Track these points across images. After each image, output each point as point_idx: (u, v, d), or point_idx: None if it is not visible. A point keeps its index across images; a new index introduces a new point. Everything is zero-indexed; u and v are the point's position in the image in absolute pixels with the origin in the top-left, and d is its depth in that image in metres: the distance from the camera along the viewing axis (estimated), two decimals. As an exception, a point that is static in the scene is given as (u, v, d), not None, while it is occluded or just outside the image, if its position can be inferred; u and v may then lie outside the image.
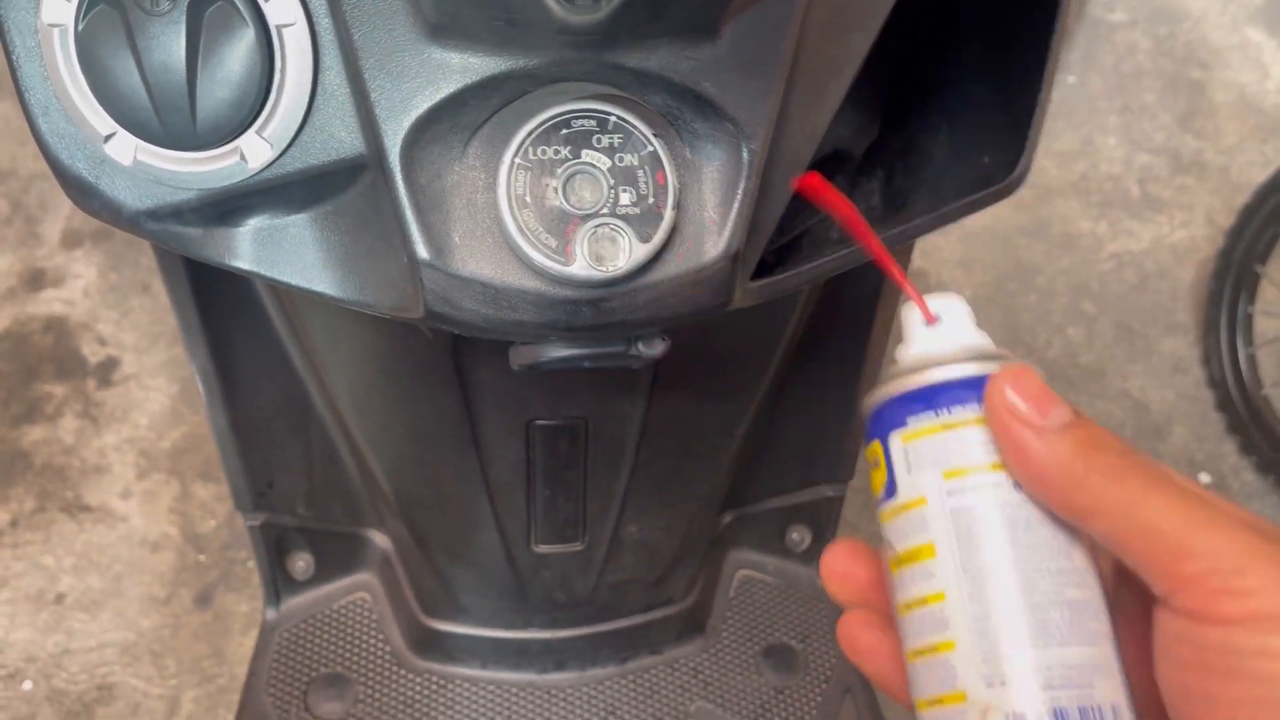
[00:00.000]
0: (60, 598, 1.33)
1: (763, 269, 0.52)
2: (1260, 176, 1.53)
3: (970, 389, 0.37)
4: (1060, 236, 1.68)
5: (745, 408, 0.80)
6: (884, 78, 0.66)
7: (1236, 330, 1.52)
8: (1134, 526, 0.33)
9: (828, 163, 0.67)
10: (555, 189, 0.43)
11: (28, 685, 1.26)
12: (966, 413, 0.37)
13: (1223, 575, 0.31)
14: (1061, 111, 1.77)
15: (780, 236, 0.66)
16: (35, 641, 1.29)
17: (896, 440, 0.39)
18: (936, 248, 1.62)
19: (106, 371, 1.48)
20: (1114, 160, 1.75)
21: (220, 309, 0.78)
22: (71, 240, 1.59)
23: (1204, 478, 1.48)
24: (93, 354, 1.49)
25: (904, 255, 0.80)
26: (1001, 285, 1.63)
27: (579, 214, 0.43)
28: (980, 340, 0.40)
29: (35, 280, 1.55)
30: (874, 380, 0.89)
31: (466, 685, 0.89)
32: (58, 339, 1.51)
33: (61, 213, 1.61)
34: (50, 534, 1.36)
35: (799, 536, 0.99)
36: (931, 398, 0.38)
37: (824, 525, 0.99)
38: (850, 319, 0.86)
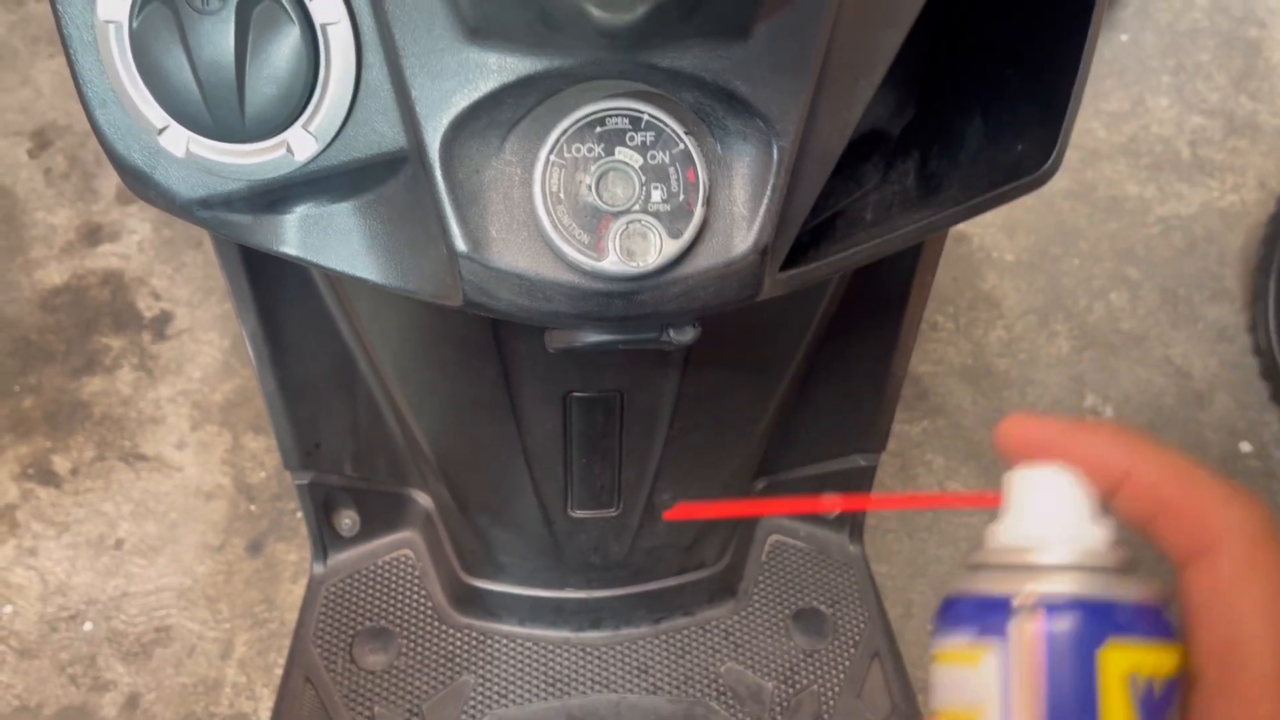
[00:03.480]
0: (119, 543, 1.38)
1: (795, 251, 0.53)
2: (1316, 140, 1.51)
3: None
4: (1106, 200, 1.66)
5: (779, 381, 0.81)
6: (923, 56, 0.66)
7: (1285, 298, 1.50)
8: None
9: (864, 142, 0.67)
10: (589, 186, 0.44)
11: (88, 626, 1.32)
12: None
13: None
14: (1113, 70, 1.74)
15: (814, 217, 0.67)
16: (95, 585, 1.35)
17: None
18: (980, 211, 1.61)
19: (161, 325, 1.52)
20: (1165, 122, 1.72)
21: (269, 276, 0.80)
22: (126, 196, 1.63)
23: (1245, 446, 1.48)
24: (148, 308, 1.54)
25: (938, 239, 0.80)
26: (1045, 250, 1.62)
27: (611, 210, 0.44)
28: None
29: (92, 235, 1.60)
30: (908, 352, 0.90)
31: (505, 641, 0.92)
32: (114, 293, 1.55)
33: (116, 168, 1.64)
34: (109, 482, 1.41)
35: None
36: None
37: (856, 493, 1.00)
38: (886, 290, 0.87)
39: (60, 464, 1.42)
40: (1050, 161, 0.53)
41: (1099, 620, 0.31)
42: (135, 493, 1.41)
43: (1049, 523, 0.34)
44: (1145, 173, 1.68)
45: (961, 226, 1.61)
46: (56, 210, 1.61)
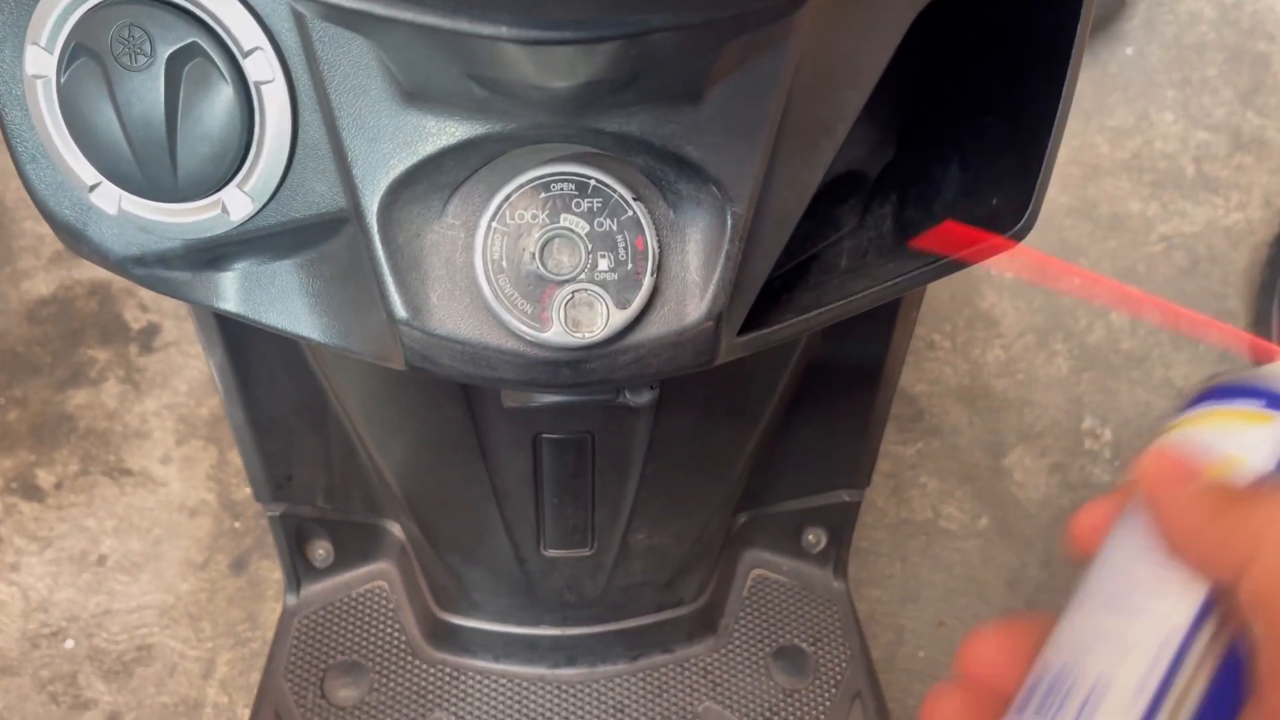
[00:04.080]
0: (102, 559, 1.37)
1: (763, 301, 0.51)
2: (1323, 158, 1.47)
3: None
4: (1108, 217, 1.63)
5: (756, 421, 0.79)
6: (902, 95, 0.64)
7: (1289, 320, 1.47)
8: None
9: (841, 183, 0.65)
10: (532, 253, 0.42)
11: (70, 644, 1.31)
12: None
13: None
14: (1117, 84, 1.71)
15: (789, 260, 0.64)
16: (77, 601, 1.34)
17: None
18: (979, 228, 1.58)
19: (148, 338, 1.51)
20: (1169, 137, 1.69)
21: None
22: (115, 205, 1.61)
23: (1246, 471, 1.45)
24: (135, 320, 1.52)
25: (916, 296, 0.78)
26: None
27: (556, 279, 0.43)
28: None
29: (80, 244, 1.58)
30: (893, 386, 0.88)
31: (478, 677, 0.90)
32: (102, 304, 1.53)
33: (105, 177, 1.63)
34: (93, 496, 1.40)
35: (814, 538, 0.99)
36: None
37: (840, 529, 0.98)
38: (871, 325, 0.85)
39: (44, 478, 1.41)
40: (1025, 218, 0.51)
41: None
42: (119, 508, 1.40)
43: None
44: (1148, 189, 1.65)
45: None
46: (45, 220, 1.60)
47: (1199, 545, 0.31)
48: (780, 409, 0.82)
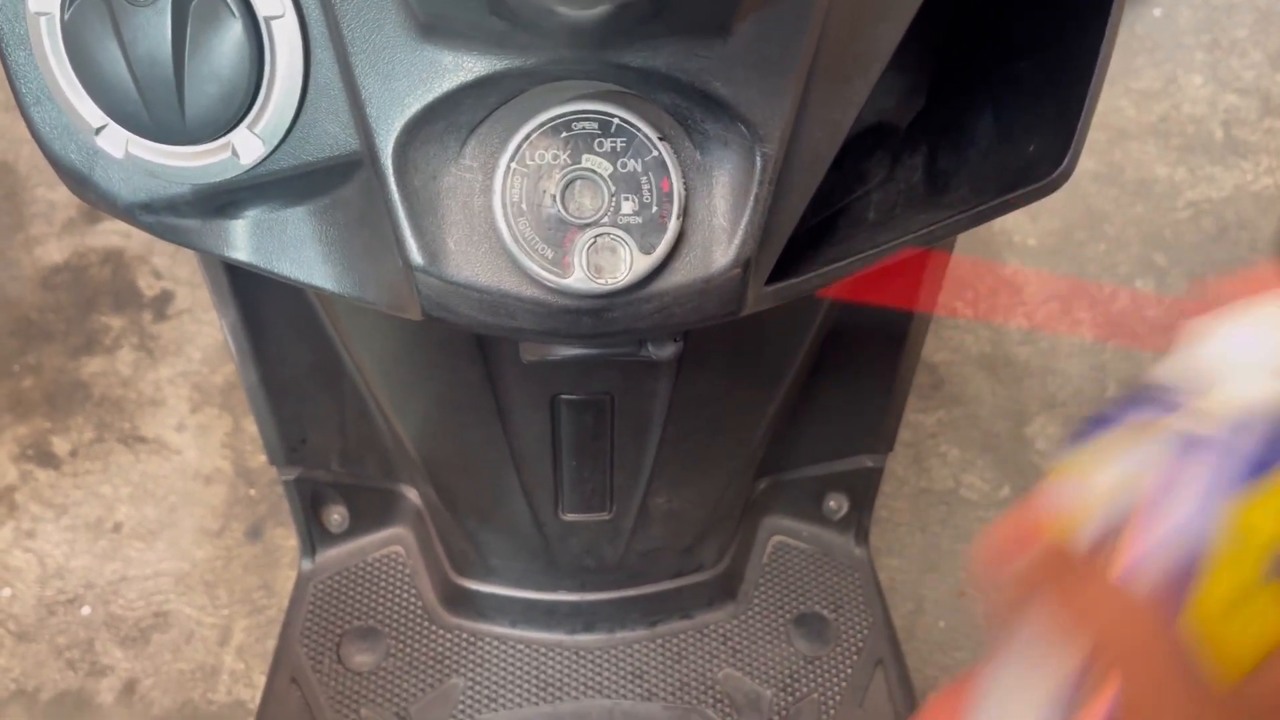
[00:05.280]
0: (118, 526, 1.36)
1: (790, 252, 0.49)
2: (1356, 122, 1.44)
3: None
4: (1134, 182, 1.60)
5: (778, 384, 0.78)
6: (934, 42, 0.62)
7: (1318, 287, 1.44)
8: None
9: (869, 135, 0.63)
10: (553, 196, 0.41)
11: (86, 610, 1.31)
12: None
13: None
14: (1144, 46, 1.67)
15: (814, 215, 0.63)
16: (94, 568, 1.33)
17: None
18: (1002, 193, 1.55)
19: (162, 305, 1.50)
20: (1198, 101, 1.65)
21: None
22: (128, 171, 1.60)
23: (1273, 441, 1.43)
24: (148, 287, 1.51)
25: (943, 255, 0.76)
26: (1069, 234, 1.56)
27: (578, 223, 0.41)
28: None
29: (93, 212, 1.57)
30: (918, 351, 0.86)
31: (495, 643, 0.89)
32: (115, 271, 1.52)
33: (118, 143, 1.62)
34: (108, 464, 1.40)
35: (836, 504, 0.97)
36: None
37: (862, 495, 0.97)
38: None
39: (59, 445, 1.40)
40: (1064, 164, 0.49)
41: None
42: (134, 475, 1.39)
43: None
44: (1175, 154, 1.62)
45: (982, 210, 1.56)
46: (57, 186, 1.59)
47: (1045, 621, 0.31)
48: (803, 372, 0.80)
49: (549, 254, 0.41)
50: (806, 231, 0.61)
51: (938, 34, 0.61)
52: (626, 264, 0.41)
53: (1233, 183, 1.60)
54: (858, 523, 0.97)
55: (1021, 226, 1.56)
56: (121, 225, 1.56)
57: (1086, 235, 1.56)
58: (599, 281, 0.41)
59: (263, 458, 1.40)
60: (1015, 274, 1.52)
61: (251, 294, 0.78)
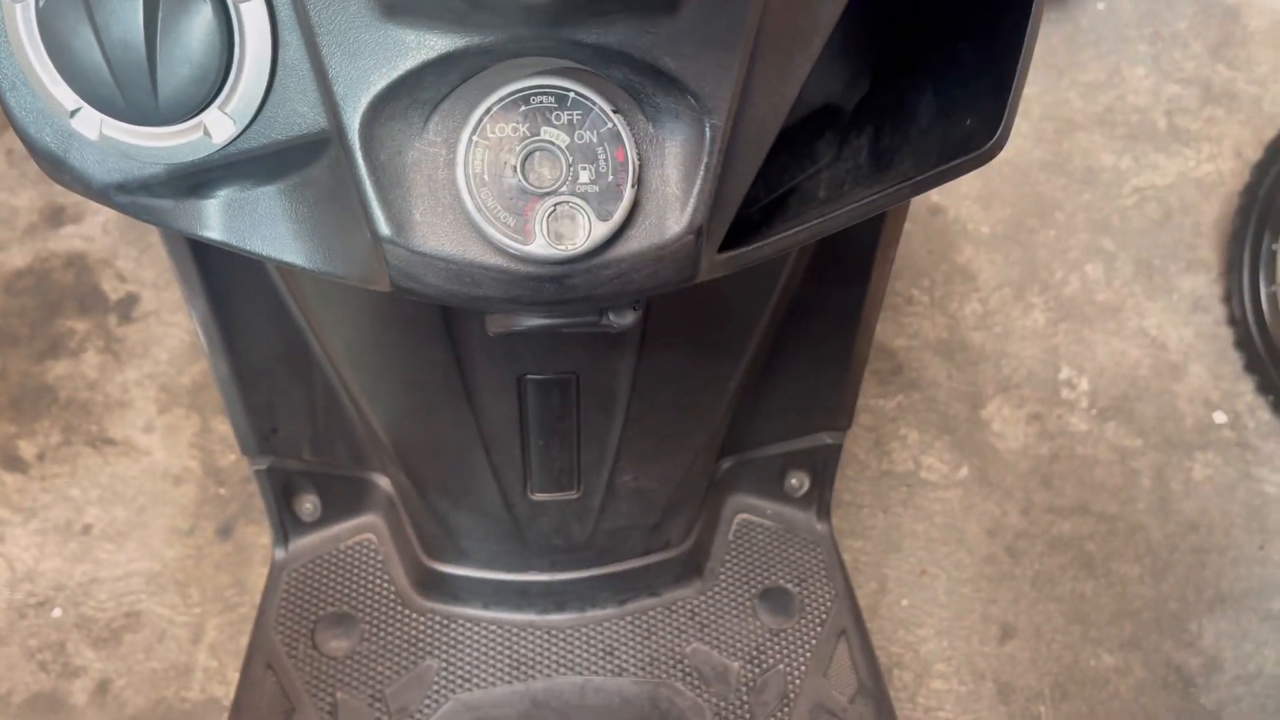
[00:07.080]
0: (87, 528, 1.36)
1: (745, 229, 0.52)
2: (1292, 108, 1.49)
3: None
4: (1082, 171, 1.64)
5: (738, 360, 0.80)
6: (877, 29, 0.65)
7: (1259, 268, 1.49)
8: None
9: (818, 117, 0.66)
10: (514, 167, 0.43)
11: (57, 613, 1.31)
12: None
13: None
14: (1089, 40, 1.72)
15: (767, 194, 0.65)
16: (64, 570, 1.33)
17: None
18: (955, 184, 1.60)
19: (127, 308, 1.50)
20: (1141, 91, 1.70)
21: (218, 260, 0.79)
22: (89, 176, 1.60)
23: (1220, 416, 1.47)
24: (113, 290, 1.52)
25: (899, 213, 0.79)
26: (1020, 221, 1.60)
27: (538, 192, 0.43)
28: None
29: (55, 216, 1.57)
30: (872, 329, 0.89)
31: (468, 625, 0.91)
32: (78, 275, 1.53)
33: (79, 148, 1.62)
34: (76, 467, 1.40)
35: (798, 482, 1.00)
36: None
37: (822, 471, 1.00)
38: (849, 267, 0.85)
39: (26, 449, 1.40)
40: (997, 134, 0.52)
41: None
42: (103, 477, 1.39)
43: None
44: (1121, 143, 1.67)
45: (936, 198, 1.60)
46: (19, 191, 1.59)
47: None
48: (762, 348, 0.83)
49: (511, 222, 0.43)
50: (760, 209, 0.63)
51: (881, 21, 0.64)
52: (585, 230, 0.43)
53: (1176, 170, 1.65)
54: (819, 499, 1.00)
55: (975, 215, 1.60)
56: (84, 229, 1.56)
57: (1038, 222, 1.61)
58: (559, 248, 0.43)
59: (233, 456, 1.41)
60: (968, 262, 1.56)
61: (221, 285, 0.79)
